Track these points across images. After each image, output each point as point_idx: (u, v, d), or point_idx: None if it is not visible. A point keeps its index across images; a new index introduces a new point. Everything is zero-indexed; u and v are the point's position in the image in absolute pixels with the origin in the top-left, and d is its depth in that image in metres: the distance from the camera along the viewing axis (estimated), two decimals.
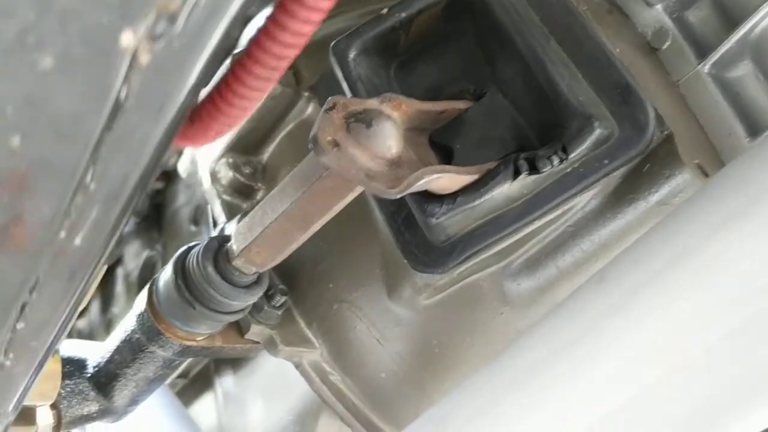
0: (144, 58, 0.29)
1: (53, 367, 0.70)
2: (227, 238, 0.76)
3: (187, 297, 0.74)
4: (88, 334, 1.84)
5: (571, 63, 0.74)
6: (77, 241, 0.36)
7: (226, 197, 0.91)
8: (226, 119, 0.38)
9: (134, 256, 1.81)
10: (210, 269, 0.73)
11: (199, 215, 1.65)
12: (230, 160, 0.91)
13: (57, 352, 0.69)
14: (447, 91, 0.80)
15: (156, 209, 1.81)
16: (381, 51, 0.80)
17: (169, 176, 1.75)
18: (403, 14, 0.78)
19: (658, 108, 0.72)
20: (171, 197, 1.75)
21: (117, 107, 0.30)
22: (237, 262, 0.73)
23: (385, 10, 0.79)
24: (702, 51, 0.78)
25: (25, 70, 0.27)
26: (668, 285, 0.44)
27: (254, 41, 0.35)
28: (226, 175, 0.91)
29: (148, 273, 1.74)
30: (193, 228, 1.64)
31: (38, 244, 0.34)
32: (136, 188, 0.35)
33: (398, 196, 0.62)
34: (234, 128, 0.41)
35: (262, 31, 0.34)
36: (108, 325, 1.82)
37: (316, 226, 0.70)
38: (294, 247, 0.72)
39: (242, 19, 0.31)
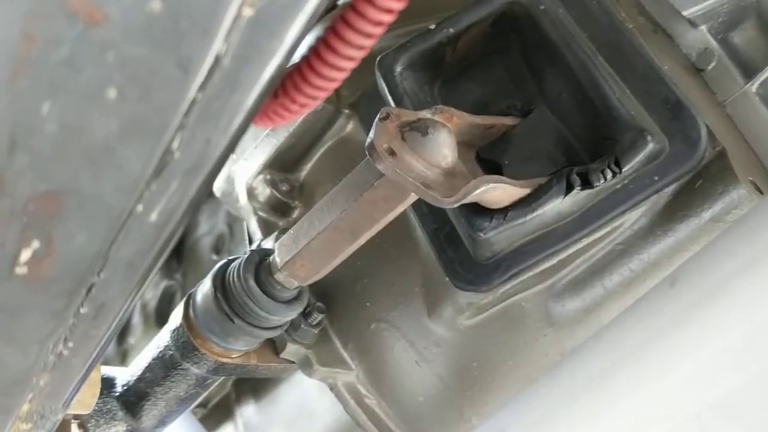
0: (246, 11, 0.28)
1: (95, 375, 0.68)
2: (268, 252, 0.74)
3: (226, 310, 0.73)
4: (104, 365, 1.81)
5: (620, 79, 0.73)
6: (153, 216, 0.35)
7: (262, 214, 0.90)
8: (313, 91, 0.37)
9: (152, 286, 1.79)
10: (251, 282, 0.72)
11: (220, 245, 1.64)
12: (268, 177, 0.90)
13: None
14: (492, 108, 0.79)
15: None
16: (427, 66, 0.80)
17: None
18: (452, 30, 0.78)
19: (710, 125, 0.71)
20: (192, 226, 1.74)
21: (216, 64, 0.29)
22: (279, 276, 0.71)
23: (432, 26, 0.79)
24: (748, 71, 0.78)
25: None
26: (740, 291, 0.42)
27: (349, 4, 0.34)
28: (264, 191, 0.90)
29: (166, 303, 1.72)
30: (214, 257, 1.62)
31: (116, 213, 0.33)
32: (218, 162, 0.34)
33: (455, 206, 0.60)
34: (318, 103, 0.40)
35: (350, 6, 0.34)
36: (124, 356, 1.79)
37: (364, 239, 0.68)
38: (339, 260, 0.70)
39: (317, 18, 0.30)
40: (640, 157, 0.68)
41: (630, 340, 0.47)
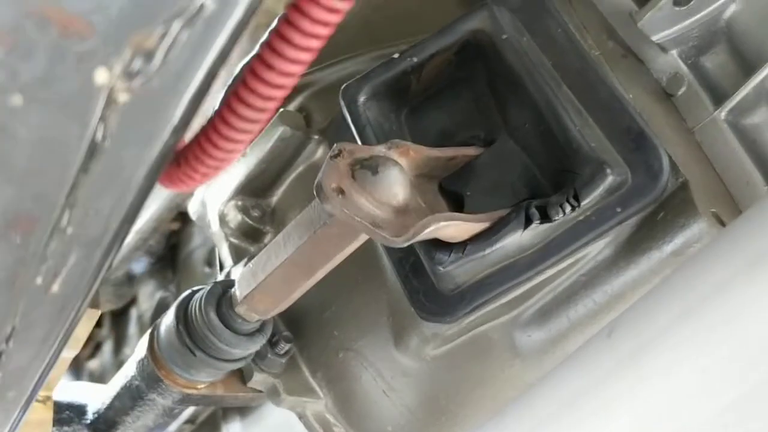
0: (122, 97, 0.28)
1: (43, 415, 0.68)
2: (231, 284, 0.74)
3: (188, 343, 0.73)
4: (100, 376, 1.83)
5: (583, 109, 0.72)
6: (55, 288, 0.35)
7: (233, 240, 0.90)
8: (212, 162, 0.37)
9: (148, 297, 1.80)
10: (212, 315, 0.72)
11: (213, 257, 1.64)
12: (239, 203, 0.90)
13: (49, 399, 0.67)
14: (459, 137, 0.78)
15: (171, 250, 1.81)
16: (392, 96, 0.79)
17: (185, 217, 1.75)
18: (415, 59, 0.77)
19: (673, 155, 0.71)
20: (186, 238, 1.75)
21: (93, 149, 0.29)
22: (240, 309, 0.71)
23: (396, 55, 0.79)
24: (718, 97, 0.77)
25: None
26: (678, 342, 0.41)
27: (241, 81, 0.34)
28: (235, 217, 0.90)
29: (161, 314, 1.72)
30: (207, 270, 1.63)
31: (9, 292, 0.33)
32: (117, 233, 0.34)
33: (404, 245, 0.60)
34: (221, 171, 0.39)
35: (249, 70, 0.33)
36: (120, 367, 1.80)
37: (321, 273, 0.68)
38: (298, 294, 0.70)
39: (226, 56, 0.30)
40: (599, 190, 0.68)
41: (567, 390, 0.46)
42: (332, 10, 0.31)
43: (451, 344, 0.78)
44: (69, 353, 0.62)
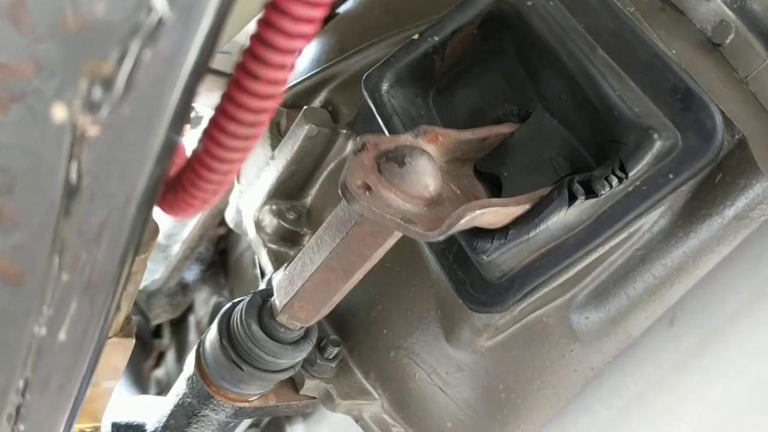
0: (90, 131, 0.25)
1: None
2: (271, 292, 0.72)
3: (234, 358, 0.71)
4: (167, 384, 1.85)
5: (623, 71, 0.67)
6: (62, 336, 0.32)
7: (272, 246, 0.88)
8: (209, 186, 0.34)
9: (204, 303, 1.81)
10: (254, 327, 0.70)
11: None
12: (273, 207, 0.88)
13: (98, 429, 0.66)
14: (491, 114, 0.74)
15: (221, 255, 1.81)
16: (416, 79, 0.75)
17: None
18: (436, 38, 0.73)
19: (726, 110, 0.65)
20: (234, 242, 1.75)
21: (71, 190, 0.26)
22: (281, 318, 0.69)
23: (416, 36, 0.75)
24: None
25: None
26: (749, 330, 0.37)
27: (227, 96, 0.31)
28: (271, 222, 0.88)
29: None
30: (257, 271, 1.62)
31: (12, 347, 0.30)
32: (118, 273, 0.31)
33: (440, 239, 0.56)
34: (222, 195, 0.37)
35: (234, 83, 0.30)
36: None
37: (360, 274, 0.65)
38: (338, 298, 0.67)
39: (203, 69, 0.27)
40: (647, 159, 0.63)
41: (630, 387, 0.42)
42: (315, 4, 0.28)
43: (505, 333, 0.74)
44: (110, 383, 0.61)
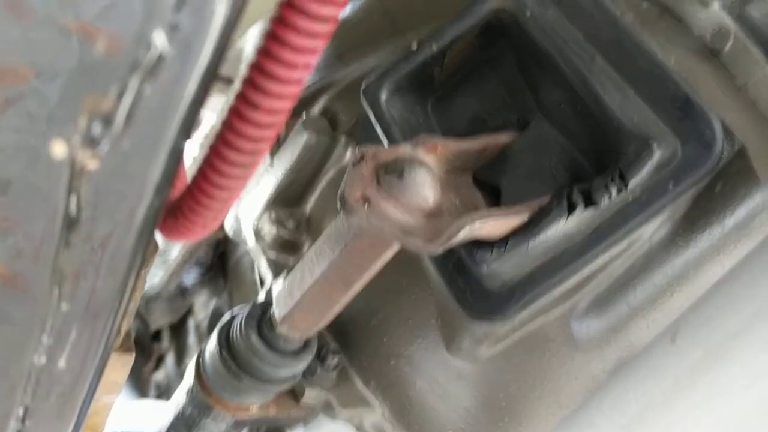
0: (90, 165, 0.25)
1: None
2: (271, 303, 0.72)
3: (234, 369, 0.71)
4: (166, 387, 1.85)
5: (622, 80, 0.67)
6: (61, 363, 0.32)
7: (271, 254, 0.88)
8: (209, 212, 0.34)
9: (203, 306, 1.81)
10: (254, 338, 0.69)
11: None
12: (272, 215, 0.87)
13: None
14: (491, 123, 0.74)
15: (220, 258, 1.81)
16: (415, 88, 0.75)
17: None
18: (435, 47, 0.73)
19: (725, 119, 0.65)
20: (233, 246, 1.75)
21: (70, 222, 0.26)
22: (281, 330, 0.69)
23: (415, 45, 0.75)
24: None
25: None
26: (754, 347, 0.37)
27: (227, 124, 0.31)
28: (270, 231, 0.87)
29: (216, 323, 1.73)
30: (256, 276, 1.62)
31: (11, 375, 0.30)
32: (117, 301, 0.31)
33: (440, 251, 0.56)
34: (222, 218, 0.37)
35: (233, 112, 0.30)
36: (183, 377, 1.82)
37: (359, 286, 0.65)
38: (338, 309, 0.67)
39: (201, 102, 0.26)
40: (647, 168, 0.63)
41: (632, 404, 0.42)
42: (314, 34, 0.27)
43: (506, 342, 0.74)
44: (111, 398, 0.61)
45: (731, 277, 0.39)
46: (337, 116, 0.90)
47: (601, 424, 0.42)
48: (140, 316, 1.72)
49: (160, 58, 0.23)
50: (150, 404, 1.39)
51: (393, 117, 0.73)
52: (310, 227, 0.89)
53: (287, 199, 0.88)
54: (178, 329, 1.89)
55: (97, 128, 0.23)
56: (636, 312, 0.69)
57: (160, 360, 1.93)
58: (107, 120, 0.23)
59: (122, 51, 0.22)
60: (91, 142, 0.24)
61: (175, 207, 0.34)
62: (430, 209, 0.58)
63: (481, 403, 0.77)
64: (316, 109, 0.92)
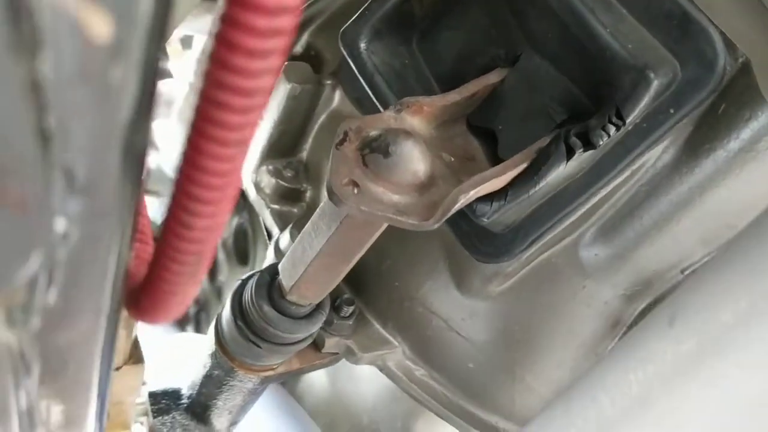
0: (24, 339, 0.24)
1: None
2: (278, 270, 0.72)
3: (251, 337, 0.72)
4: (204, 303, 1.91)
5: (615, 0, 0.62)
6: None
7: (274, 206, 0.87)
8: (181, 278, 0.32)
9: (226, 225, 1.83)
10: (266, 308, 0.70)
11: None
12: (270, 167, 0.86)
13: None
14: (478, 59, 0.70)
15: None
16: (395, 29, 0.71)
17: None
18: None
19: (729, 28, 0.60)
20: None
21: (26, 370, 0.26)
22: (291, 297, 0.69)
23: None
24: None
25: None
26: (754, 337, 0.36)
27: (166, 226, 0.29)
28: (269, 183, 0.86)
29: (241, 239, 1.76)
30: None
31: None
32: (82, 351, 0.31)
33: (435, 227, 0.55)
34: (189, 304, 0.35)
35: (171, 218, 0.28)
36: (218, 293, 1.87)
37: (360, 254, 0.64)
38: (343, 275, 0.67)
39: (132, 238, 0.25)
40: (645, 101, 0.59)
41: (627, 389, 0.42)
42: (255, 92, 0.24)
43: (516, 278, 0.74)
44: (132, 397, 0.63)
45: (727, 268, 0.38)
46: (321, 54, 0.85)
47: (604, 401, 0.42)
48: None
49: (66, 236, 0.21)
50: (189, 336, 1.43)
51: (376, 65, 0.69)
52: (309, 173, 0.87)
53: (281, 149, 0.86)
54: None
55: (18, 315, 0.22)
56: (642, 238, 0.68)
57: None
58: (26, 306, 0.22)
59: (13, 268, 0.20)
60: (16, 323, 0.23)
61: (145, 284, 0.32)
62: (422, 182, 0.56)
63: (497, 336, 0.78)
64: (298, 46, 0.88)
